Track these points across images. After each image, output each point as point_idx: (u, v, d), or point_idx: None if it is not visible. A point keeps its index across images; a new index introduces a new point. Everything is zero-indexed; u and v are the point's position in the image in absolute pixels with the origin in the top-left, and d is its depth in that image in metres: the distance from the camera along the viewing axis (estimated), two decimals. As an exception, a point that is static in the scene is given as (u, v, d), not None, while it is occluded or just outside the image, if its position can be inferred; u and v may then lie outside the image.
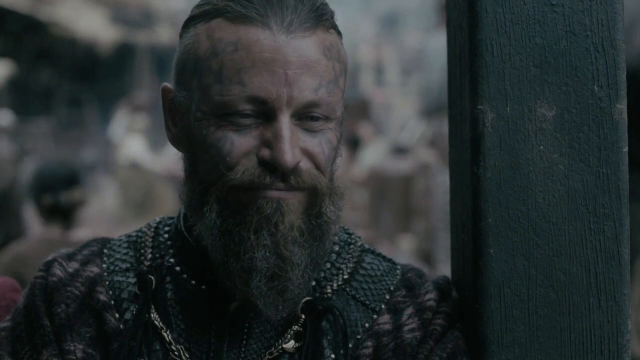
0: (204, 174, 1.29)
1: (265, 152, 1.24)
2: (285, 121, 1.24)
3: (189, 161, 1.33)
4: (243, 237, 1.25)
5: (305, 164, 1.27)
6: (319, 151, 1.28)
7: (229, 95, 1.24)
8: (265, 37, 1.24)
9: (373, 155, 10.39)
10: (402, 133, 10.37)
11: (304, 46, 1.25)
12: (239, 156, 1.25)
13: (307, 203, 1.28)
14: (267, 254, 1.25)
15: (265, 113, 1.25)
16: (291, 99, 1.24)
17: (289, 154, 1.23)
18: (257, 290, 1.26)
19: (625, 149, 1.39)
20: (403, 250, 6.88)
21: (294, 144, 1.24)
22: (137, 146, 12.14)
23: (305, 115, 1.27)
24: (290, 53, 1.24)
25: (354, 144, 10.55)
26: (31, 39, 16.16)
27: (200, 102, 1.28)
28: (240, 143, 1.25)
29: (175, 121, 1.36)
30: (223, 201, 1.27)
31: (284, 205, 1.25)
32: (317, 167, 1.28)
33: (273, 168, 1.24)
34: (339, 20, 1.36)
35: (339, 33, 1.35)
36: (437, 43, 6.47)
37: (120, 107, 13.45)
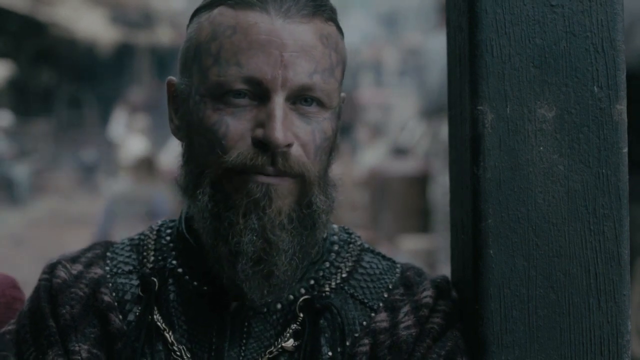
0: (200, 157, 1.31)
1: (259, 132, 1.27)
2: (279, 102, 1.26)
3: (186, 146, 1.36)
4: (232, 221, 1.28)
5: (295, 150, 1.28)
6: (310, 139, 1.30)
7: (225, 76, 1.27)
8: (262, 21, 1.27)
9: (373, 156, 10.40)
10: (402, 134, 10.36)
11: (301, 31, 1.28)
12: (234, 139, 1.27)
13: (297, 192, 1.30)
14: (254, 237, 1.27)
15: (260, 94, 1.27)
16: (286, 81, 1.26)
17: (281, 132, 1.25)
18: (243, 274, 1.28)
19: (625, 150, 1.39)
20: (403, 251, 6.88)
21: (286, 125, 1.27)
22: (138, 146, 12.16)
23: (300, 99, 1.29)
24: (287, 36, 1.27)
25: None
26: (31, 39, 16.18)
27: (199, 85, 1.31)
28: (235, 126, 1.28)
29: (177, 111, 1.38)
30: (216, 185, 1.29)
31: (272, 191, 1.27)
32: (307, 155, 1.30)
33: (265, 147, 1.26)
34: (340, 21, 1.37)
35: (339, 29, 1.36)
36: (437, 44, 6.47)
37: (119, 106, 13.46)
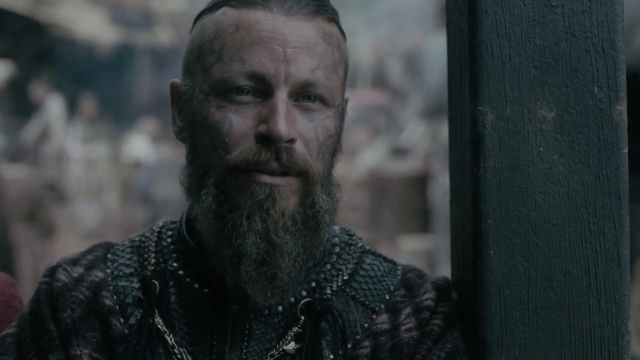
0: (204, 157, 1.31)
1: (262, 127, 1.27)
2: (282, 97, 1.27)
3: (190, 146, 1.36)
4: (236, 223, 1.28)
5: (299, 147, 1.29)
6: (313, 137, 1.30)
7: (229, 72, 1.28)
8: (265, 18, 1.29)
9: (372, 156, 10.39)
10: (402, 134, 10.36)
11: (303, 27, 1.30)
12: (237, 137, 1.28)
13: (300, 192, 1.30)
14: (258, 239, 1.27)
15: (264, 90, 1.28)
16: (288, 76, 1.27)
17: (284, 125, 1.25)
18: (247, 275, 1.28)
19: (625, 150, 1.39)
20: (404, 251, 6.88)
21: (289, 121, 1.27)
22: (141, 145, 12.16)
23: (303, 96, 1.29)
24: (289, 33, 1.28)
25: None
26: (31, 40, 16.16)
27: (202, 83, 1.31)
28: (238, 124, 1.28)
29: (181, 112, 1.38)
30: (221, 185, 1.29)
31: (276, 192, 1.27)
32: (310, 152, 1.30)
33: (268, 142, 1.26)
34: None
35: (342, 32, 1.37)
36: (437, 44, 6.47)
37: (75, 118, 13.17)
